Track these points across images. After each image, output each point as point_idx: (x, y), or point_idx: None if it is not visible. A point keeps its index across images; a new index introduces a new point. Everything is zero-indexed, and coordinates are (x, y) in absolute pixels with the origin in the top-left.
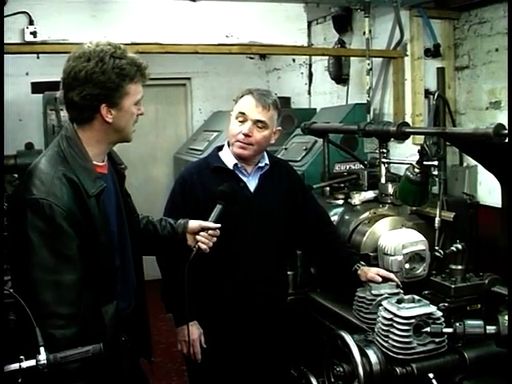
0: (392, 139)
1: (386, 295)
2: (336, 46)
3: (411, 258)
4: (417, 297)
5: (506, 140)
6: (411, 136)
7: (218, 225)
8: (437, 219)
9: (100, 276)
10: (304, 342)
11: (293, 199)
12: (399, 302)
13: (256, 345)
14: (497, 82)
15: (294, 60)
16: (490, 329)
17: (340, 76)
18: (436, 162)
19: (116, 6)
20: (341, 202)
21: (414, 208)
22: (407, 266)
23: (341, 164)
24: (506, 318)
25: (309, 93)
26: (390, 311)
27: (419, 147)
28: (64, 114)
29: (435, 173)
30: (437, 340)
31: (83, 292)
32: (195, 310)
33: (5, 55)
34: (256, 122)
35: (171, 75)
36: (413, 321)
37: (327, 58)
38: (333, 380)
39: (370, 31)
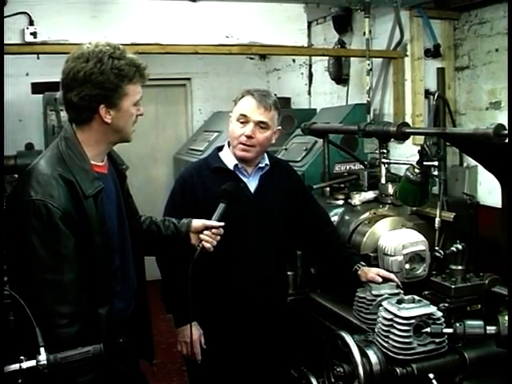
0: (392, 139)
1: (386, 295)
2: (336, 47)
3: (411, 258)
4: (417, 297)
5: (506, 140)
6: (411, 136)
7: (222, 223)
8: (437, 219)
9: (96, 277)
10: (304, 342)
11: (293, 199)
12: (399, 302)
13: (256, 345)
14: (497, 82)
15: (294, 60)
16: (490, 329)
17: (340, 76)
18: (436, 163)
19: (116, 7)
20: (341, 202)
21: (414, 208)
22: (407, 266)
23: (341, 164)
24: (506, 318)
25: (309, 93)
26: (390, 311)
27: (419, 147)
28: (64, 114)
29: (435, 173)
30: (437, 340)
31: (81, 292)
32: (195, 311)
33: (5, 56)
34: (258, 123)
35: (171, 75)
36: (413, 321)
37: (327, 58)
38: (333, 380)
39: (370, 31)
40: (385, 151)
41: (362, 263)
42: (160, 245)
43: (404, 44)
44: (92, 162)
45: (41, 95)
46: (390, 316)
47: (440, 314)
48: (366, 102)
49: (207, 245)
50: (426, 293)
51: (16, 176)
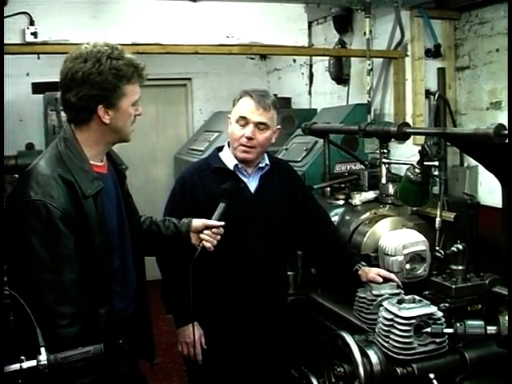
0: (393, 139)
1: (387, 295)
2: (336, 47)
3: (412, 258)
4: (417, 297)
5: (507, 140)
6: (412, 136)
7: (222, 223)
8: (437, 219)
9: (96, 277)
10: (305, 342)
11: (293, 199)
12: (400, 302)
13: (256, 345)
14: (497, 82)
15: (294, 60)
16: (491, 329)
17: (340, 76)
18: (437, 163)
19: (116, 7)
20: (341, 202)
21: (415, 208)
22: (408, 266)
23: (341, 164)
24: (507, 318)
25: (309, 93)
26: (390, 311)
27: (420, 147)
28: (64, 114)
29: (436, 173)
30: (437, 340)
31: (81, 292)
32: (195, 311)
33: (5, 56)
34: (257, 124)
35: (172, 75)
36: (413, 321)
37: (328, 58)
38: (333, 380)
39: (370, 31)
40: (385, 151)
41: (363, 263)
42: (160, 245)
43: (404, 44)
44: (91, 162)
45: (41, 95)
46: (390, 316)
47: (440, 314)
48: (366, 102)
49: (207, 244)
50: (427, 293)
51: (17, 176)
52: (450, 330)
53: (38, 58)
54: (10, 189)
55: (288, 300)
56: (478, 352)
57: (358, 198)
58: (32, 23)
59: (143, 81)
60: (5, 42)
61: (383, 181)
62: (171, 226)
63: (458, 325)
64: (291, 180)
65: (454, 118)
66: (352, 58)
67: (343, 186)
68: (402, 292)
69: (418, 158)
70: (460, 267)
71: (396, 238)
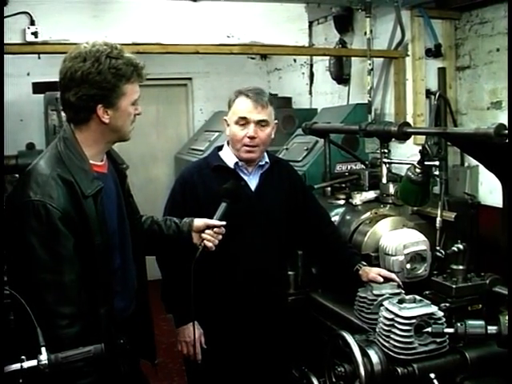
0: (393, 139)
1: (388, 295)
2: (337, 46)
3: (412, 258)
4: (418, 297)
5: (507, 140)
6: (412, 136)
7: (224, 222)
8: (438, 219)
9: (96, 277)
10: (305, 342)
11: (293, 199)
12: (400, 302)
13: (257, 345)
14: (498, 82)
15: (295, 60)
16: (492, 329)
17: (341, 76)
18: (437, 162)
19: (117, 7)
20: (342, 202)
21: (415, 208)
22: (408, 266)
23: (342, 164)
24: (507, 318)
25: (310, 93)
26: (391, 311)
27: (420, 147)
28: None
29: (436, 173)
30: (438, 340)
31: (81, 292)
32: (195, 310)
33: (6, 55)
34: (258, 122)
35: (172, 75)
36: (414, 321)
37: (328, 58)
38: (334, 380)
39: (371, 31)
40: (386, 151)
41: (364, 263)
42: (162, 244)
43: (405, 44)
44: (91, 162)
45: (42, 95)
46: (391, 316)
47: (441, 313)
48: (367, 101)
49: (209, 244)
50: (427, 293)
51: (17, 176)
52: (451, 330)
53: (39, 57)
54: (10, 189)
55: (288, 300)
56: (479, 352)
57: (358, 198)
58: (32, 23)
59: (142, 80)
60: (5, 41)
61: (384, 180)
62: (173, 226)
63: (459, 325)
64: (291, 179)
65: (454, 117)
66: (352, 58)
67: (344, 185)
68: (403, 292)
69: (418, 157)
70: (460, 267)
71: (397, 237)
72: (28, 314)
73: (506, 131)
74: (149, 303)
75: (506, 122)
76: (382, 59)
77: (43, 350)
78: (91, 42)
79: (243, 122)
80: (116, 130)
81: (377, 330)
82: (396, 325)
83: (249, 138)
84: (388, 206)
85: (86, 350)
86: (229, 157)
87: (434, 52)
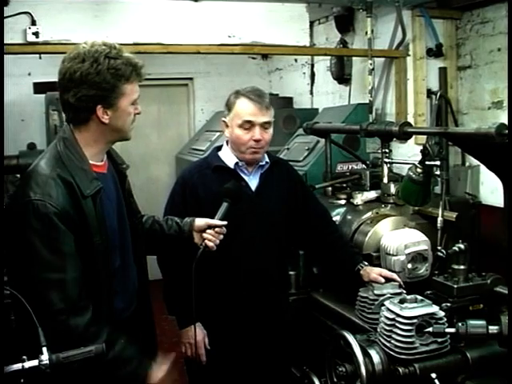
0: (394, 139)
1: (389, 295)
2: (338, 46)
3: (414, 258)
4: (419, 297)
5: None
6: (413, 136)
7: (225, 222)
8: (439, 219)
9: (95, 276)
10: (306, 342)
11: (293, 198)
12: (402, 301)
13: (258, 344)
14: (499, 81)
15: (296, 60)
16: (493, 329)
17: (342, 76)
18: (438, 162)
19: (118, 7)
20: (343, 202)
21: (417, 208)
22: (410, 265)
23: (343, 164)
24: None
25: (311, 93)
26: (392, 311)
27: (421, 147)
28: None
29: (437, 173)
30: (439, 340)
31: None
32: (197, 311)
33: (7, 55)
34: (263, 124)
35: (173, 75)
36: (415, 321)
37: (329, 58)
38: (335, 380)
39: (372, 31)
40: (387, 151)
41: (365, 263)
42: (163, 244)
43: (406, 43)
44: (91, 162)
45: (43, 95)
46: (392, 316)
47: (442, 313)
48: (368, 101)
49: (210, 244)
50: (429, 292)
51: (18, 176)
52: (452, 330)
53: (40, 57)
54: (11, 188)
55: (290, 300)
56: (480, 352)
57: (359, 198)
58: (34, 23)
59: (142, 79)
60: (6, 41)
61: (385, 180)
62: (174, 225)
63: (460, 324)
64: (291, 179)
65: (455, 117)
66: (353, 58)
67: (345, 185)
68: (404, 291)
69: (419, 157)
70: (462, 267)
71: (398, 237)
72: (29, 314)
73: (507, 131)
74: (150, 303)
75: (506, 122)
76: (383, 59)
77: (44, 349)
78: (90, 41)
79: (248, 125)
80: (116, 130)
81: (378, 329)
82: (397, 325)
83: (255, 140)
84: (389, 205)
85: (87, 350)
86: (229, 157)
87: (435, 52)
